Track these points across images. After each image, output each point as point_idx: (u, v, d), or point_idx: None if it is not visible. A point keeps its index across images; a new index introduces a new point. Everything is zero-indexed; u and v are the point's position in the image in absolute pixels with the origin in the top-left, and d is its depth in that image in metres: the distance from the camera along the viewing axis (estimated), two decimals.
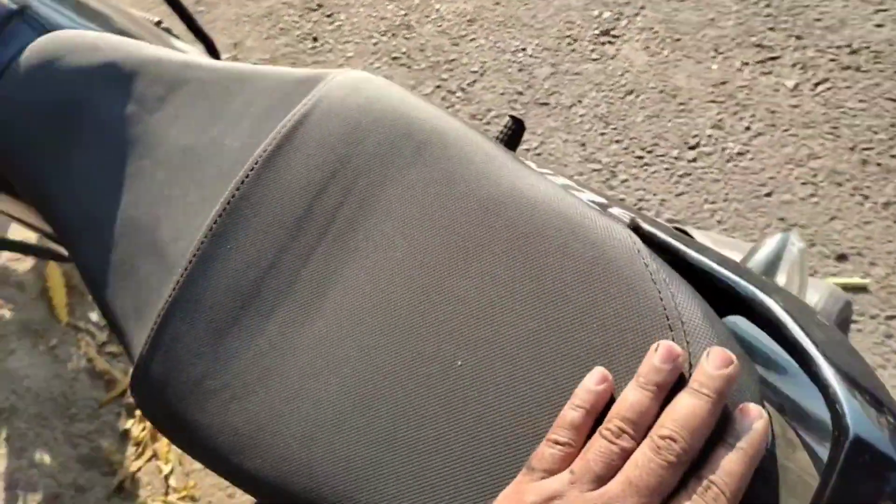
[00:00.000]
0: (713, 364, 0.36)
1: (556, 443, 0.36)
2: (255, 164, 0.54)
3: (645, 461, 0.34)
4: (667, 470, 0.33)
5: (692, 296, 0.40)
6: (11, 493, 1.30)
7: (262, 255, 0.52)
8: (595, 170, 1.50)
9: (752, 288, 0.40)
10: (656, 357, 0.37)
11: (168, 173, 0.60)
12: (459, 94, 1.65)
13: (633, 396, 0.36)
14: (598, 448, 0.35)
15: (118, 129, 0.63)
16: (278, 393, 0.48)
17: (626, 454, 0.35)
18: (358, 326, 0.47)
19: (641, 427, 0.35)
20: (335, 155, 0.52)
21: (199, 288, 0.53)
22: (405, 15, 1.80)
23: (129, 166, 0.62)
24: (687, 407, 0.35)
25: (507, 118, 0.94)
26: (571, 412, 0.37)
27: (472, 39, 1.73)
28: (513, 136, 0.91)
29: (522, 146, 1.55)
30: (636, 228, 0.46)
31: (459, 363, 0.43)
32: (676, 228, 0.85)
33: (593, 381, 0.38)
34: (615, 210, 0.57)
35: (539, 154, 1.54)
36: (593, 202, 0.57)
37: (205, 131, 0.60)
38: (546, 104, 1.60)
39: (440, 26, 1.77)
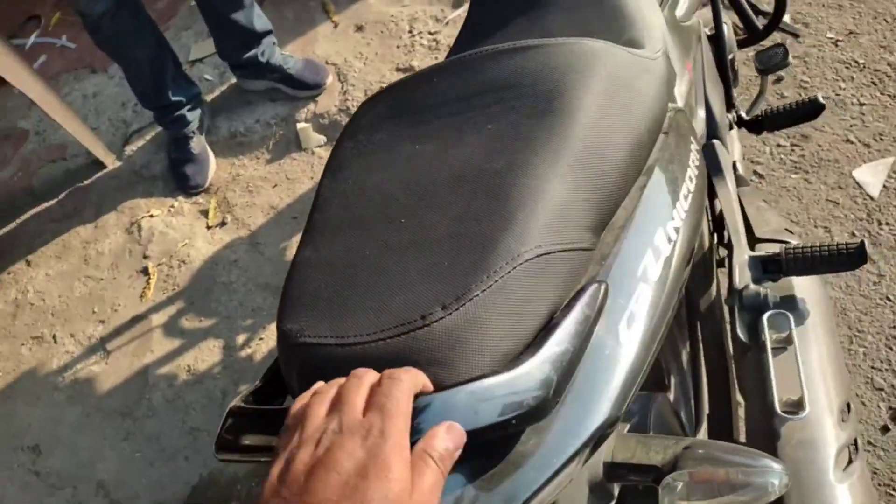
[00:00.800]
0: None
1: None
2: (492, 49, 0.71)
3: None
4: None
5: None
6: None
7: (446, 96, 0.70)
8: None
9: None
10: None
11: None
12: None
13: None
14: None
15: None
16: (383, 160, 0.67)
17: None
18: (425, 171, 0.63)
19: None
20: (514, 79, 0.66)
21: (414, 85, 0.74)
22: None
23: None
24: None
25: (861, 241, 0.82)
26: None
27: None
28: (847, 258, 0.81)
29: None
30: None
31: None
32: None
33: None
34: None
35: None
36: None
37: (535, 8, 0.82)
38: None
39: None
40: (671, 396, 1.22)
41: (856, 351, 1.27)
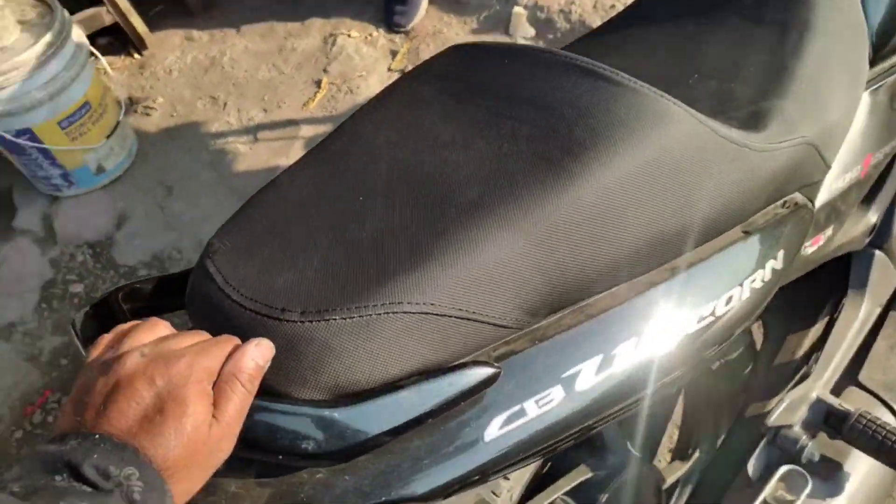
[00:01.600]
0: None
1: None
2: (570, 59, 0.58)
3: None
4: None
5: None
6: None
7: (502, 85, 0.58)
8: None
9: None
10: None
11: None
12: None
13: None
14: None
15: None
16: (406, 120, 0.59)
17: None
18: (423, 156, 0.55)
19: None
20: (562, 105, 0.54)
21: (490, 56, 0.63)
22: None
23: None
24: None
25: None
26: None
27: None
28: None
29: None
30: None
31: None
32: None
33: None
34: None
35: None
36: None
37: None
38: None
39: None
40: (686, 467, 1.09)
41: None
